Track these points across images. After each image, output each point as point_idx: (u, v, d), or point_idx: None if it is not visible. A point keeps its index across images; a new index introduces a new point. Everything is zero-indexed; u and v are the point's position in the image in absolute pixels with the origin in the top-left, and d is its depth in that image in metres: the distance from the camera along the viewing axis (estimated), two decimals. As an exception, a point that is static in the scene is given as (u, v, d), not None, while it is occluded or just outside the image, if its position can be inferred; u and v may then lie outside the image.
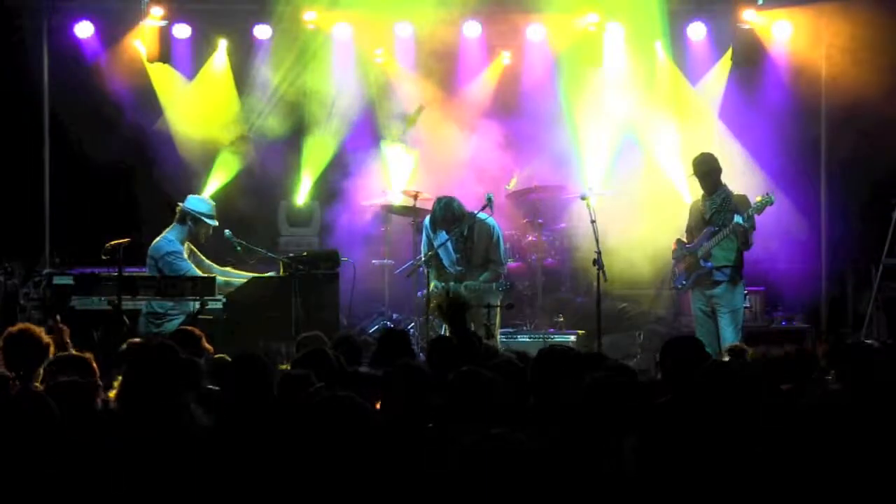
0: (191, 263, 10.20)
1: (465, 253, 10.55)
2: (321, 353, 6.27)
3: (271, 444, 4.53)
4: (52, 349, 6.33)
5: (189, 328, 7.22)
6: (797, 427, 4.60)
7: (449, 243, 10.48)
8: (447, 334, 8.03)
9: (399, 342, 7.14)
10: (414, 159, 13.33)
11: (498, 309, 10.41)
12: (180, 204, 10.47)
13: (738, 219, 10.07)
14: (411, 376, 5.30)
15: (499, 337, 10.67)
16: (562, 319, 12.16)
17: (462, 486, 3.79)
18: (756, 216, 10.20)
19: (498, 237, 10.64)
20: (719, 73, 13.35)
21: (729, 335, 10.04)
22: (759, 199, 10.19)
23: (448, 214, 10.31)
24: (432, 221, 10.45)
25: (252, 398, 5.24)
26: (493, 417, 4.85)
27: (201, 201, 10.57)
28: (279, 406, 5.27)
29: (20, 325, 6.47)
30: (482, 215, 10.48)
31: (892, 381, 5.43)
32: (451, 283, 10.50)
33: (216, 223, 10.55)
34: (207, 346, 7.01)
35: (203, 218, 10.41)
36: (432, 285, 10.42)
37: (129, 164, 12.80)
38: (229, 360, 6.12)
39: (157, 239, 10.33)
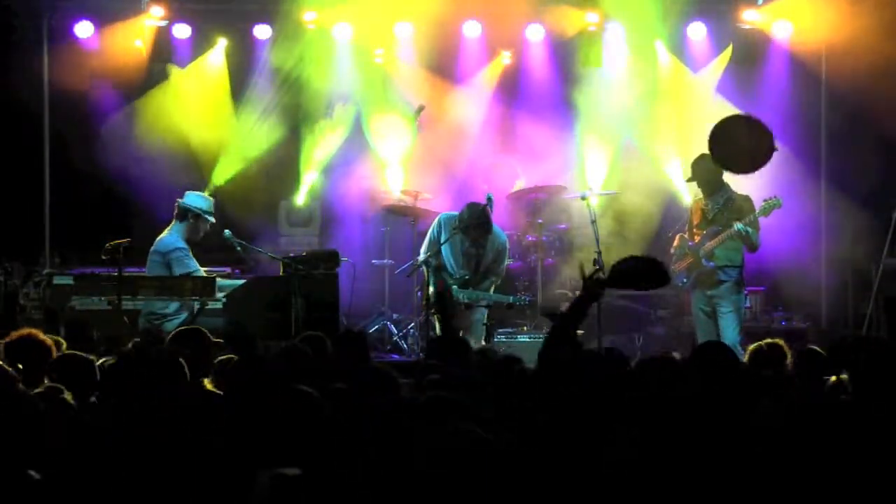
0: (197, 263, 10.22)
1: (475, 260, 10.59)
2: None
3: (274, 444, 4.54)
4: (54, 352, 6.34)
5: (195, 327, 7.15)
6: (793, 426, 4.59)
7: (458, 248, 10.50)
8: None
9: (356, 344, 7.09)
10: (406, 154, 13.33)
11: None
12: (179, 200, 10.47)
13: (738, 226, 10.07)
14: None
15: (495, 337, 10.75)
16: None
17: (428, 481, 3.79)
18: (762, 218, 10.21)
19: (506, 250, 10.76)
20: (719, 70, 13.35)
21: (730, 335, 10.04)
22: (766, 201, 10.19)
23: (483, 221, 10.34)
24: (463, 225, 10.41)
25: (255, 399, 5.24)
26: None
27: (201, 198, 10.57)
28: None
29: (25, 331, 6.50)
30: (497, 229, 10.55)
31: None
32: (454, 288, 10.51)
33: (213, 220, 10.58)
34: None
35: (204, 214, 10.42)
36: (431, 288, 10.44)
37: (128, 163, 12.81)
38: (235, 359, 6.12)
39: (163, 235, 10.33)
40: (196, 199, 10.47)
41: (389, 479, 4.15)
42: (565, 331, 4.99)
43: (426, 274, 10.52)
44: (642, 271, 5.07)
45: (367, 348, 7.38)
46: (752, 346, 6.80)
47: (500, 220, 11.29)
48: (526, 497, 3.96)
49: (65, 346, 6.74)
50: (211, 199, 10.73)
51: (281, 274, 10.42)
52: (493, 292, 10.83)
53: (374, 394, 5.22)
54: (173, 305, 9.99)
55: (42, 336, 6.38)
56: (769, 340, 6.77)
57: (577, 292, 5.48)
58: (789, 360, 6.63)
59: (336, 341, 7.04)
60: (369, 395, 5.22)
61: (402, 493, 3.99)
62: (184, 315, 9.93)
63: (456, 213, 10.66)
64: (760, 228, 10.28)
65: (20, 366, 6.10)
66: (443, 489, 3.77)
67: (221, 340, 6.86)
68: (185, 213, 10.37)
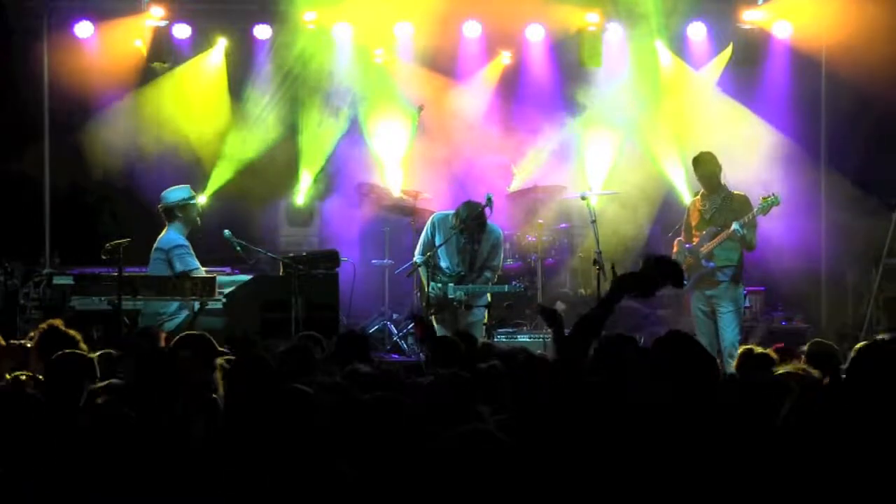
0: (198, 261, 10.22)
1: (470, 256, 10.60)
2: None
3: (274, 443, 4.54)
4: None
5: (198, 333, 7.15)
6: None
7: (454, 245, 10.51)
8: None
9: (356, 345, 7.10)
10: (406, 154, 13.34)
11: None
12: (160, 206, 10.46)
13: (736, 226, 10.07)
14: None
15: (495, 337, 10.76)
16: (564, 307, 12.07)
17: (441, 481, 3.79)
18: (761, 217, 10.21)
19: (501, 244, 10.77)
20: (720, 67, 13.36)
21: (730, 335, 10.05)
22: (764, 199, 10.19)
23: (480, 219, 10.35)
24: (460, 221, 10.41)
25: (256, 398, 5.25)
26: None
27: (176, 190, 10.53)
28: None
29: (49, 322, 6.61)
30: (491, 224, 10.57)
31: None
32: (450, 286, 10.52)
33: (201, 198, 10.57)
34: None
35: (187, 203, 10.42)
36: (430, 287, 10.45)
37: (127, 163, 12.82)
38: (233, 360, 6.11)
39: (163, 235, 10.33)
40: (173, 194, 10.46)
41: (398, 480, 4.15)
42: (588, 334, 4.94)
43: (423, 275, 10.53)
44: (663, 273, 5.03)
45: (369, 349, 7.39)
46: (741, 349, 6.86)
47: (500, 220, 11.29)
48: (536, 497, 3.96)
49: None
50: (186, 185, 10.69)
51: (281, 274, 10.43)
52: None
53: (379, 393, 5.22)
54: (174, 305, 9.99)
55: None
56: (760, 350, 6.77)
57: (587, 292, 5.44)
58: (777, 366, 6.66)
59: (338, 342, 7.06)
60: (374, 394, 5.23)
61: (412, 494, 3.99)
62: (184, 315, 9.93)
63: (450, 212, 10.67)
64: (758, 227, 10.29)
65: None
66: (453, 491, 3.77)
67: (224, 348, 6.86)
68: (171, 212, 10.38)
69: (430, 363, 7.09)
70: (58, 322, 6.82)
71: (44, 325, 6.80)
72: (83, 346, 6.49)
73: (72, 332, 6.65)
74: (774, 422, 4.53)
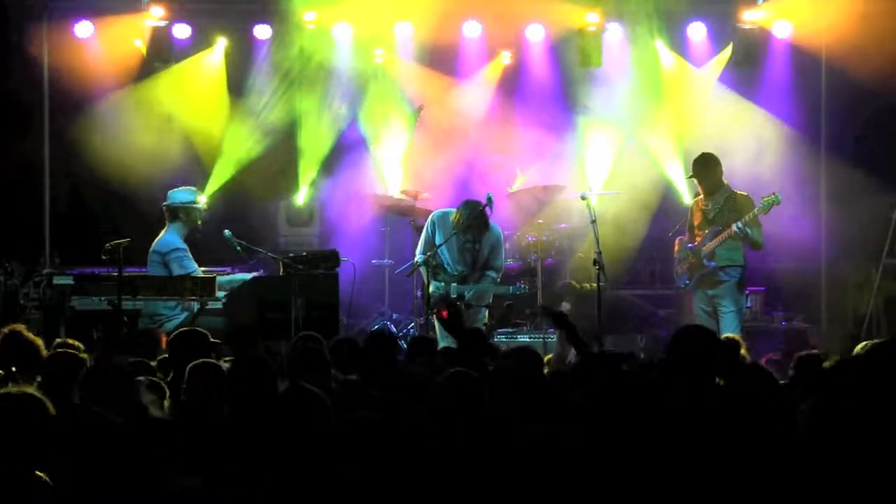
0: (195, 264, 10.23)
1: (472, 255, 10.60)
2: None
3: (276, 445, 4.54)
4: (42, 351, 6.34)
5: (195, 329, 7.15)
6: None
7: (454, 244, 10.50)
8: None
9: (385, 346, 7.12)
10: (405, 154, 13.34)
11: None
12: (164, 204, 10.50)
13: (736, 226, 10.06)
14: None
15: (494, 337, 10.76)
16: (569, 307, 12.04)
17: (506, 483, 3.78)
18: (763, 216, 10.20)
19: (502, 243, 10.76)
20: (720, 66, 13.36)
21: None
22: (764, 199, 10.17)
23: (482, 219, 10.35)
24: (462, 224, 10.41)
25: (256, 399, 5.25)
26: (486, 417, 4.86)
27: (182, 192, 10.59)
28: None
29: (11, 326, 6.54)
30: (492, 223, 10.57)
31: None
32: (453, 285, 10.52)
33: (205, 202, 10.62)
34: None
35: (192, 206, 10.46)
36: (432, 287, 10.45)
37: (127, 163, 12.82)
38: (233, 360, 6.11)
39: (161, 236, 10.35)
40: (179, 195, 10.51)
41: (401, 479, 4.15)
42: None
43: (425, 274, 10.53)
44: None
45: (397, 351, 7.41)
46: None
47: (500, 219, 11.29)
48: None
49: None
50: (192, 188, 10.74)
51: (281, 274, 10.43)
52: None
53: (405, 395, 5.23)
54: (175, 306, 9.99)
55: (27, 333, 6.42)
56: (726, 335, 7.12)
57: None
58: (744, 350, 7.00)
59: (367, 341, 7.10)
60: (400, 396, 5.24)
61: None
62: (184, 315, 9.93)
63: (449, 209, 10.67)
64: (762, 226, 10.27)
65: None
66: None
67: (219, 341, 6.87)
68: (175, 212, 10.41)
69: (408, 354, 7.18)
70: (20, 327, 6.77)
71: (5, 330, 6.74)
72: (44, 352, 6.44)
73: (34, 337, 6.60)
74: (795, 418, 4.54)
